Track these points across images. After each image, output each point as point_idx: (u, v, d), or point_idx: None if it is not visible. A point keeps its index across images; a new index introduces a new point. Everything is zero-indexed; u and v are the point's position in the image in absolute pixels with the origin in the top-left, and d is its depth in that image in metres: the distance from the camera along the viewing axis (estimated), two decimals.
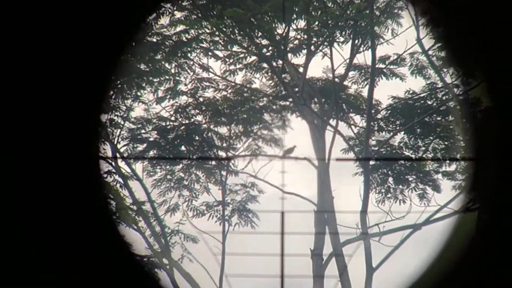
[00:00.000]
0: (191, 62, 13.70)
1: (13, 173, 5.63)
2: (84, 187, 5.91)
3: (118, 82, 12.59)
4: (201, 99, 13.84)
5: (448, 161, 13.03)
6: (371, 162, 13.27)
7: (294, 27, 13.38)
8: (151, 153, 13.73)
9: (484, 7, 5.84)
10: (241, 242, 12.83)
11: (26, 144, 5.66)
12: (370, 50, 13.31)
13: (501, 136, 5.96)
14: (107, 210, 7.96)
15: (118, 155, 13.27)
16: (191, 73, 13.77)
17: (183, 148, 13.84)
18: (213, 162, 13.84)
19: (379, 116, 13.66)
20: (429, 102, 13.29)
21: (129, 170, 13.34)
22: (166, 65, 13.51)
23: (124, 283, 6.00)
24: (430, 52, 12.89)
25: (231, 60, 13.74)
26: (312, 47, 13.68)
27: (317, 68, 14.16)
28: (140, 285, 6.40)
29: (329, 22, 13.08)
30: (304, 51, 13.66)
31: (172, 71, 13.60)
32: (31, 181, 5.67)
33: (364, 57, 13.66)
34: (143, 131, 13.75)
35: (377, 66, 13.40)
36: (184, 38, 13.41)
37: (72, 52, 5.72)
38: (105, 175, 12.31)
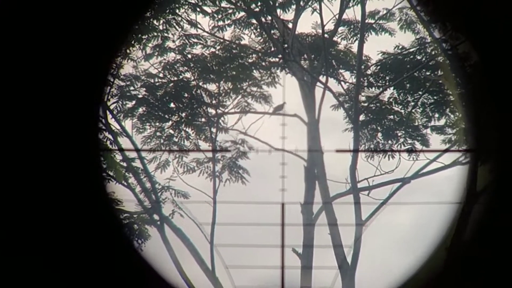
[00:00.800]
0: (179, 18, 13.61)
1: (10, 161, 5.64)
2: (83, 179, 5.93)
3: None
4: (189, 56, 13.78)
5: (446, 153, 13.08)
6: (361, 118, 13.34)
7: None
8: (140, 110, 13.71)
9: None
10: (232, 197, 12.91)
11: (22, 136, 5.66)
12: (359, 5, 13.27)
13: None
14: (107, 201, 7.92)
15: (108, 112, 13.23)
16: (179, 30, 13.68)
17: (172, 105, 13.81)
18: (203, 119, 13.85)
19: (368, 71, 13.68)
20: (418, 57, 13.30)
21: (118, 127, 13.34)
22: (154, 22, 13.40)
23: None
24: (419, 7, 12.85)
25: (219, 16, 13.66)
26: (302, 2, 13.62)
27: (307, 24, 14.14)
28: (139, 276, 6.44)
29: None
30: (293, 7, 13.59)
31: (160, 27, 13.50)
32: (27, 174, 5.68)
33: (353, 12, 13.67)
34: (132, 88, 13.70)
35: (366, 21, 13.38)
36: None
37: (69, 41, 5.70)
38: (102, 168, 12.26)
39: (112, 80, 13.34)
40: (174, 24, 13.53)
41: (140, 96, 13.66)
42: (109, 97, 13.38)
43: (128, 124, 13.55)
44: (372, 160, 13.36)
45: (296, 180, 12.90)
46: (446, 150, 13.04)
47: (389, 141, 13.50)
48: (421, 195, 11.99)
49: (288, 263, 10.48)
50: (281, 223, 10.64)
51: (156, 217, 13.04)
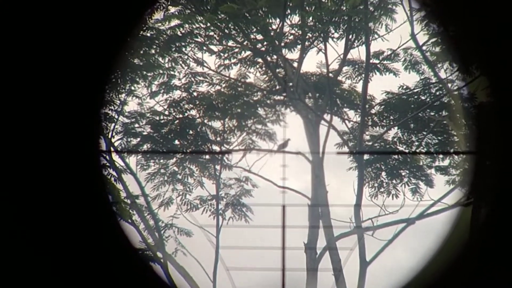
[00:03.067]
0: (185, 57, 13.70)
1: (12, 167, 5.65)
2: (84, 181, 5.93)
3: (113, 76, 12.58)
4: (195, 94, 13.85)
5: (442, 155, 13.09)
6: (365, 157, 13.35)
7: (289, 22, 13.44)
8: (145, 147, 13.75)
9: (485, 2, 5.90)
10: (236, 235, 12.89)
11: (26, 138, 5.67)
12: (364, 45, 13.38)
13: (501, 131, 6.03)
14: (106, 203, 7.97)
15: (112, 149, 13.28)
16: (185, 68, 13.78)
17: (176, 142, 13.85)
18: (207, 156, 13.87)
19: (373, 111, 13.72)
20: (423, 97, 13.35)
21: (123, 164, 13.37)
22: (160, 59, 13.50)
23: (122, 276, 6.04)
24: (424, 48, 12.95)
25: (225, 55, 13.74)
26: (307, 42, 13.72)
27: (312, 63, 14.28)
28: (138, 277, 6.43)
29: (324, 17, 13.11)
30: (299, 46, 13.69)
31: (166, 65, 13.59)
32: (30, 175, 5.69)
33: (358, 53, 13.77)
34: (136, 125, 13.75)
35: (371, 61, 13.47)
36: (178, 33, 13.39)
37: (71, 46, 5.74)
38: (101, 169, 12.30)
39: (116, 117, 13.42)
40: (181, 62, 13.64)
41: (145, 133, 13.70)
42: (114, 133, 13.44)
43: (132, 160, 13.61)
44: (376, 199, 13.37)
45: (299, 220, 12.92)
46: (447, 153, 13.02)
47: (393, 181, 13.49)
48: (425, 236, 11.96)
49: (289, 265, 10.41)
50: (282, 225, 10.58)
51: (159, 254, 13.01)
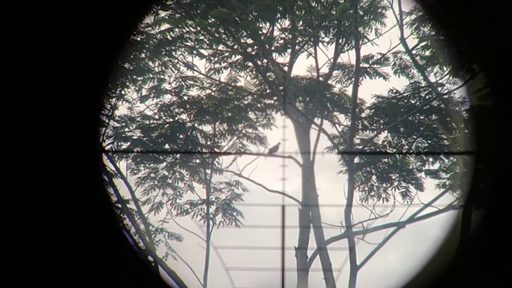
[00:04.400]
0: (176, 61, 13.69)
1: (13, 168, 5.64)
2: (84, 180, 5.93)
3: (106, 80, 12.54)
4: (185, 98, 13.85)
5: (443, 155, 13.15)
6: (356, 160, 13.40)
7: (279, 26, 13.46)
8: (135, 151, 13.73)
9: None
10: (231, 235, 12.90)
11: (26, 139, 5.67)
12: (354, 49, 13.41)
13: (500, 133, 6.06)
14: (107, 202, 7.96)
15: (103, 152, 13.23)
16: (176, 72, 13.77)
17: (167, 146, 13.84)
18: (197, 160, 13.86)
19: (363, 114, 13.78)
20: (413, 101, 13.42)
21: (113, 168, 13.32)
22: (150, 63, 13.48)
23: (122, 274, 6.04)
24: (413, 52, 13.02)
25: (215, 59, 13.74)
26: (297, 47, 13.75)
27: (302, 67, 14.32)
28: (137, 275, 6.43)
29: (314, 22, 13.15)
30: (289, 50, 13.71)
31: (156, 69, 13.57)
32: (31, 176, 5.69)
33: (348, 57, 13.80)
34: (127, 129, 13.72)
35: (361, 65, 13.51)
36: (168, 37, 13.39)
37: (69, 49, 5.75)
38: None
39: (107, 121, 13.38)
40: (171, 66, 13.63)
41: (135, 137, 13.68)
42: (104, 138, 13.40)
43: (122, 165, 13.58)
44: (366, 203, 13.41)
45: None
46: (447, 152, 13.06)
47: (384, 184, 13.53)
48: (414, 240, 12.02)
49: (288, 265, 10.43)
50: (282, 225, 10.59)
51: (150, 258, 12.97)
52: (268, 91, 14.10)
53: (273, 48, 13.46)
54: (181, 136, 13.79)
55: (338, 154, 13.38)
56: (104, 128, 13.24)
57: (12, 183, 5.61)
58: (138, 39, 13.26)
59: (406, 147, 13.49)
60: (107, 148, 13.35)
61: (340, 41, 13.50)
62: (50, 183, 5.69)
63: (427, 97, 13.29)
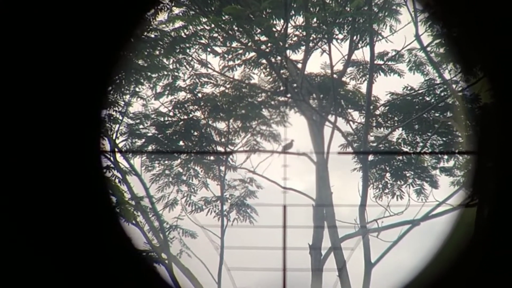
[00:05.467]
0: (190, 58, 13.70)
1: (14, 169, 5.66)
2: (85, 181, 5.94)
3: (117, 77, 12.59)
4: (199, 95, 13.86)
5: (447, 156, 13.08)
6: (370, 158, 13.34)
7: (293, 23, 13.44)
8: (149, 148, 13.77)
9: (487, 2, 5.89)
10: (240, 236, 12.90)
11: (27, 139, 5.68)
12: (368, 46, 13.35)
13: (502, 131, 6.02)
14: (109, 204, 7.99)
15: (116, 150, 13.29)
16: (190, 69, 13.78)
17: (181, 143, 13.86)
18: (212, 158, 13.88)
19: (377, 112, 13.72)
20: (427, 98, 13.34)
21: (127, 165, 13.38)
22: (165, 60, 13.50)
23: (124, 277, 6.04)
24: (428, 49, 12.94)
25: (229, 56, 13.74)
26: (311, 44, 13.72)
27: (316, 64, 14.30)
28: (141, 278, 6.44)
29: (328, 18, 13.11)
30: (303, 47, 13.68)
31: (171, 66, 13.59)
32: (32, 177, 5.70)
33: (362, 54, 13.73)
34: (141, 126, 13.77)
35: (375, 62, 13.45)
36: (182, 34, 13.39)
37: (72, 47, 5.74)
38: (104, 170, 12.30)
39: (121, 118, 13.43)
40: (185, 63, 13.64)
41: (149, 134, 13.71)
42: (118, 135, 13.45)
43: (137, 162, 13.62)
44: (380, 200, 13.36)
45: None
46: (447, 152, 13.01)
47: (398, 182, 13.47)
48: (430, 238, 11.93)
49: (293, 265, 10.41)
50: (283, 225, 10.58)
51: (164, 256, 13.03)
52: (282, 88, 14.07)
53: (287, 45, 13.41)
54: (195, 133, 13.80)
55: (352, 154, 13.33)
56: (117, 125, 13.33)
57: (12, 183, 5.62)
58: (152, 36, 13.29)
59: (421, 144, 13.42)
60: (120, 145, 13.42)
61: (355, 38, 13.45)
62: (50, 183, 5.69)
63: (442, 94, 13.22)
